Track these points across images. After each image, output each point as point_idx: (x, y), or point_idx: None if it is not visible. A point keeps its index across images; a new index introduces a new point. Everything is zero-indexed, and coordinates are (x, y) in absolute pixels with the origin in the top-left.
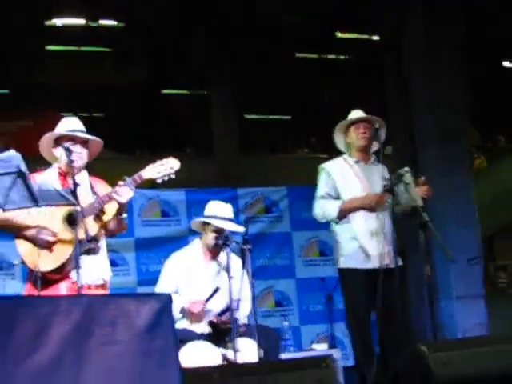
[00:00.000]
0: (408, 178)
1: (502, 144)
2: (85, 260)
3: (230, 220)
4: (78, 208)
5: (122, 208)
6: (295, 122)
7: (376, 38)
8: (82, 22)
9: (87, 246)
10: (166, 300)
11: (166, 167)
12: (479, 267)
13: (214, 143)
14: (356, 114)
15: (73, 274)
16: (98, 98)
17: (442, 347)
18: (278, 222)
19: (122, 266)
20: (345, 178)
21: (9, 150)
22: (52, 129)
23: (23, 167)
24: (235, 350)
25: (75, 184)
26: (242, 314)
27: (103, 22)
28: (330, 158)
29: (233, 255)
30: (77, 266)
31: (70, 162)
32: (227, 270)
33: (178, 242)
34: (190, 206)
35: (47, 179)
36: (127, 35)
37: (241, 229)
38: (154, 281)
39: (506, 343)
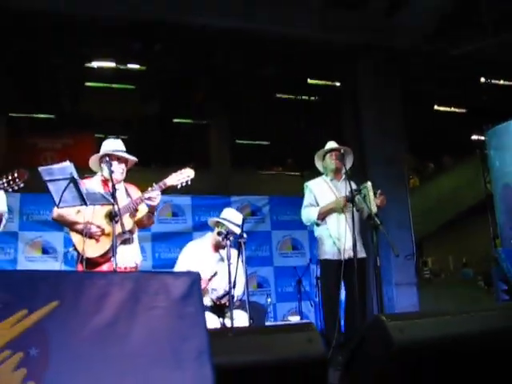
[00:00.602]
0: (366, 190)
1: (431, 168)
2: (122, 248)
3: (238, 225)
4: (116, 207)
5: (153, 208)
6: (273, 146)
7: (337, 83)
8: (112, 65)
9: (123, 237)
10: (196, 276)
11: (184, 176)
12: (412, 262)
13: (212, 161)
14: (330, 144)
15: (113, 259)
16: (124, 124)
17: (398, 317)
18: (261, 222)
19: (142, 253)
20: (322, 191)
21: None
22: (87, 146)
23: (75, 174)
24: (232, 319)
25: (114, 189)
26: (237, 293)
27: (130, 65)
28: (301, 175)
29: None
30: (114, 253)
31: (111, 172)
32: (228, 258)
33: (184, 236)
34: (194, 208)
35: (93, 184)
36: (148, 77)
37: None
38: (164, 265)
39: (445, 315)
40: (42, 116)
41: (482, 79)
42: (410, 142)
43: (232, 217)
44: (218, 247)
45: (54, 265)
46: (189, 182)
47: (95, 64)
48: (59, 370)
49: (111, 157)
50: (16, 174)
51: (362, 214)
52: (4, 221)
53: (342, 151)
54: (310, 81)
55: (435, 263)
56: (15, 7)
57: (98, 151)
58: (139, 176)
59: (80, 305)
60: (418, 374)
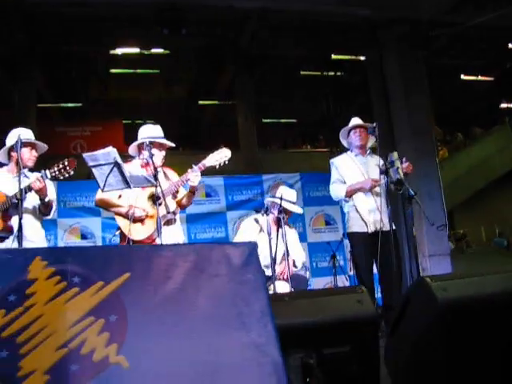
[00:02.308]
0: (395, 160)
1: (460, 139)
2: (165, 229)
3: (293, 203)
4: (159, 189)
5: (194, 189)
6: (300, 124)
7: (362, 58)
8: (137, 50)
9: (167, 218)
10: (254, 246)
11: (221, 156)
12: (445, 232)
13: (240, 141)
14: (354, 121)
15: (157, 240)
16: (151, 109)
17: (442, 278)
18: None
19: None
20: (348, 168)
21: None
22: (116, 132)
23: (119, 159)
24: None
25: (156, 171)
26: (299, 262)
27: (154, 50)
28: (330, 151)
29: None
30: (159, 234)
31: (151, 155)
32: (283, 235)
33: (217, 216)
34: (227, 188)
35: (134, 168)
36: (172, 61)
37: (300, 210)
38: None
39: (484, 275)
40: (71, 105)
41: (510, 45)
42: (437, 114)
43: (288, 195)
44: (278, 223)
45: None
46: (226, 162)
47: (120, 51)
48: (136, 334)
49: (152, 143)
50: (66, 163)
51: (391, 186)
52: (54, 207)
53: (369, 129)
54: (334, 56)
55: (467, 234)
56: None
57: (127, 137)
58: (168, 159)
59: (150, 275)
60: (460, 331)
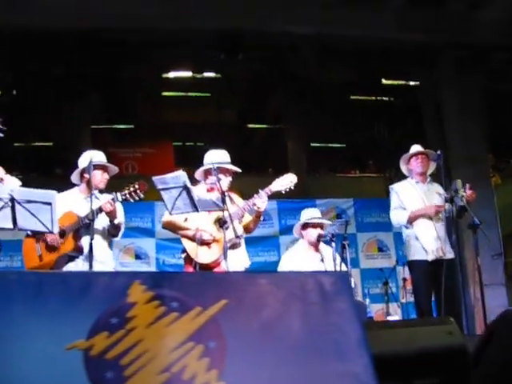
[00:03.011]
0: (459, 188)
1: None
2: (231, 253)
3: (320, 218)
4: (227, 213)
5: (260, 214)
6: (349, 149)
7: (412, 83)
8: (189, 74)
9: (233, 242)
10: (345, 275)
11: (287, 181)
12: (500, 261)
13: (289, 165)
14: (416, 148)
15: (223, 263)
16: (201, 132)
17: None
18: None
19: None
20: (409, 194)
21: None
22: (166, 154)
23: (188, 183)
24: None
25: (224, 195)
26: None
27: (205, 74)
28: (384, 176)
29: (328, 247)
30: (226, 257)
31: (218, 180)
32: (333, 258)
33: (271, 240)
34: (280, 212)
35: (200, 192)
36: (223, 84)
37: (329, 222)
38: (253, 269)
39: None
40: (123, 126)
41: None
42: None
43: (314, 214)
44: (316, 246)
45: (147, 270)
46: (292, 188)
47: (172, 74)
48: (236, 360)
49: (219, 168)
50: (137, 186)
51: (453, 214)
52: (122, 229)
53: (427, 154)
54: (384, 81)
55: None
56: (96, 25)
57: (177, 159)
58: None
59: (246, 302)
60: None
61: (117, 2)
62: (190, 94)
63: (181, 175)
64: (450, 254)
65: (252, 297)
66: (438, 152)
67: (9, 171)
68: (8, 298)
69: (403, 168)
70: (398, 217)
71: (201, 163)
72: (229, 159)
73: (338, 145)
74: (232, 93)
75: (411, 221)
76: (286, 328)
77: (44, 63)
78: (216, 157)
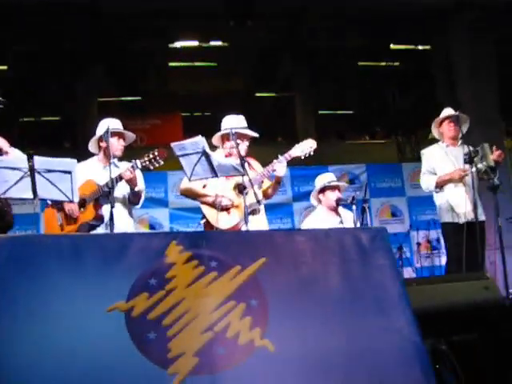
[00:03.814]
0: (486, 150)
1: None
2: (251, 218)
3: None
4: (246, 179)
5: (280, 179)
6: (357, 115)
7: (421, 47)
8: (195, 43)
9: (253, 208)
10: (383, 231)
11: (307, 146)
12: None
13: (298, 133)
14: (447, 111)
15: (243, 228)
16: (208, 102)
17: None
18: (359, 191)
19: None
20: (439, 159)
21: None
22: (175, 125)
23: (207, 149)
24: None
25: (244, 161)
26: None
27: (212, 43)
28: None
29: (347, 210)
30: (247, 222)
31: (237, 145)
32: (354, 221)
33: (284, 207)
34: (293, 179)
35: (218, 157)
36: (230, 53)
37: (346, 184)
38: None
39: None
40: (130, 98)
41: None
42: (501, 103)
43: (329, 178)
44: (336, 209)
45: None
46: (311, 153)
47: (178, 44)
48: (278, 318)
49: (237, 133)
50: (156, 153)
51: (480, 174)
52: (143, 197)
53: (458, 117)
54: (392, 46)
55: None
56: None
57: (186, 129)
58: None
59: (284, 260)
60: None
61: None
62: (196, 63)
63: (200, 141)
64: (482, 217)
65: (291, 254)
66: (466, 116)
67: (18, 146)
68: (45, 261)
69: (434, 131)
70: (426, 182)
71: (209, 133)
72: (246, 124)
73: (346, 112)
74: (239, 61)
75: (439, 185)
76: (325, 285)
77: (49, 37)
78: (233, 122)
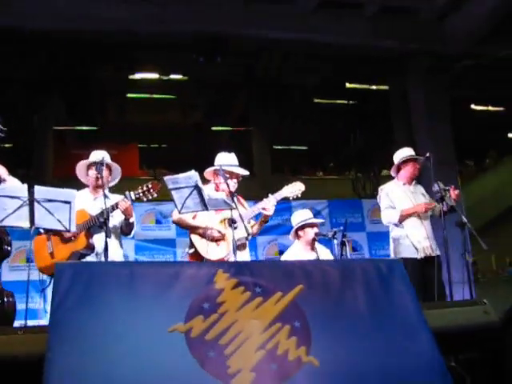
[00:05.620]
0: (446, 189)
1: (472, 168)
2: (238, 253)
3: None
4: (236, 213)
5: (267, 218)
6: (311, 151)
7: (376, 87)
8: (156, 76)
9: (241, 242)
10: (396, 260)
11: (295, 188)
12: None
13: (254, 166)
14: (409, 152)
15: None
16: (165, 133)
17: None
18: (321, 225)
19: None
20: (398, 196)
21: None
22: (132, 156)
23: (199, 183)
24: None
25: (233, 196)
26: None
27: (172, 76)
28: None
29: (322, 246)
30: (235, 255)
31: (226, 180)
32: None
33: (250, 240)
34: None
35: (209, 191)
36: (189, 87)
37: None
38: None
39: None
40: (86, 128)
41: None
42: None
43: (306, 215)
44: (312, 245)
45: None
46: (299, 196)
47: (138, 75)
48: (319, 337)
49: (227, 171)
50: (150, 186)
51: (435, 213)
52: (135, 228)
53: (419, 160)
54: (348, 85)
55: (478, 263)
56: (65, 26)
57: (142, 161)
58: None
59: (317, 286)
60: None
61: (81, 3)
62: (155, 95)
63: (193, 175)
64: (437, 251)
65: (322, 281)
66: (427, 154)
67: None
68: (104, 287)
69: (393, 169)
70: (389, 216)
71: (165, 164)
72: (236, 162)
73: (300, 147)
74: (197, 95)
75: (402, 219)
76: (355, 307)
77: (6, 64)
78: (224, 159)
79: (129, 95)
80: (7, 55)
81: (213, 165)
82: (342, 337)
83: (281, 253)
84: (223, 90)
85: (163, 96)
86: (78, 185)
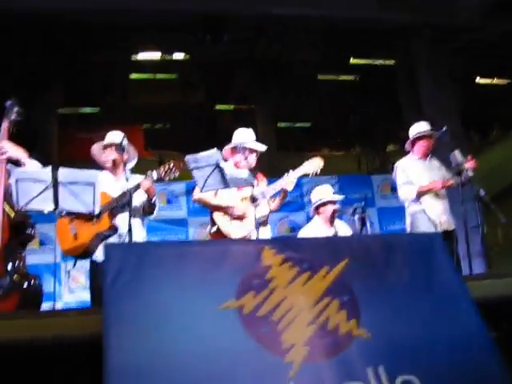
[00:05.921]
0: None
1: (477, 141)
2: (260, 229)
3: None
4: (258, 190)
5: (286, 193)
6: (316, 128)
7: (381, 62)
8: (158, 55)
9: (262, 219)
10: (437, 235)
11: (315, 164)
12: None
13: None
14: (425, 126)
15: (253, 238)
16: (168, 114)
17: None
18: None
19: None
20: (414, 171)
21: None
22: (135, 137)
23: (220, 161)
24: None
25: (253, 172)
26: None
27: (175, 55)
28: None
29: (342, 222)
30: (257, 233)
31: (246, 157)
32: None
33: None
34: None
35: (230, 169)
36: (191, 66)
37: (341, 196)
38: None
39: None
40: (90, 111)
41: None
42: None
43: (327, 192)
44: (332, 221)
45: None
46: (318, 172)
47: (140, 55)
48: (367, 310)
49: (246, 147)
50: (172, 165)
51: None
52: (157, 207)
53: (435, 135)
54: (352, 61)
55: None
56: (66, 6)
57: (146, 141)
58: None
59: (362, 260)
60: None
61: None
62: (157, 75)
63: (215, 154)
64: (453, 226)
65: (366, 256)
66: (444, 128)
67: None
68: (153, 267)
69: (407, 143)
70: (406, 193)
71: (170, 145)
72: (254, 138)
73: (305, 124)
74: (199, 74)
75: (420, 195)
76: (399, 280)
77: (6, 49)
78: (242, 135)
79: (131, 76)
80: (7, 40)
81: (218, 144)
82: (389, 310)
83: (292, 230)
84: (225, 69)
85: (165, 76)
86: (84, 168)
